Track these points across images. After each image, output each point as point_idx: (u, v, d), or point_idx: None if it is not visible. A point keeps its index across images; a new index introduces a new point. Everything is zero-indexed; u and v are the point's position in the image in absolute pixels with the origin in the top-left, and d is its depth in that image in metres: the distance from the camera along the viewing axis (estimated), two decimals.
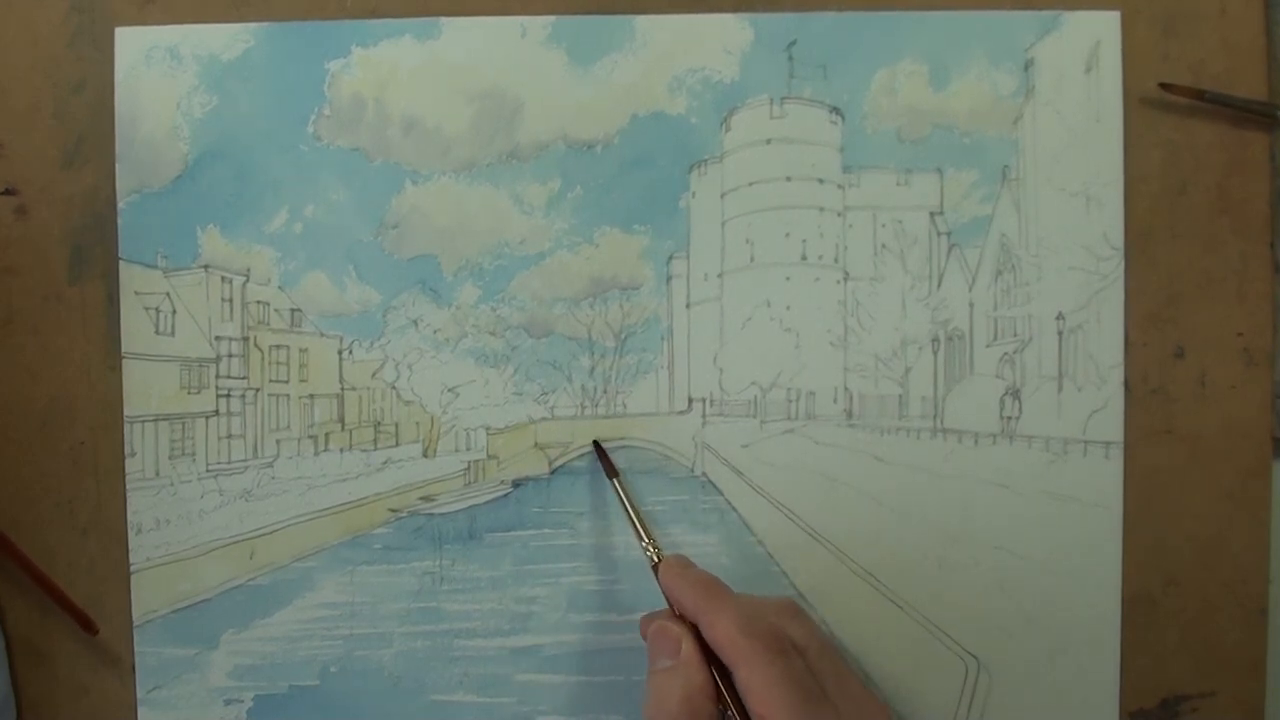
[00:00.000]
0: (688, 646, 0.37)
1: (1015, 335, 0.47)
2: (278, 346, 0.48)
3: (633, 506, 0.44)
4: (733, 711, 0.35)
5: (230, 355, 0.47)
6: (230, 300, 0.47)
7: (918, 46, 0.46)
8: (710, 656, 0.36)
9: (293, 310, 0.47)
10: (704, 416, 0.47)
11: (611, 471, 0.46)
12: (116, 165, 0.46)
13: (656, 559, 0.42)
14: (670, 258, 0.47)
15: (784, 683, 0.34)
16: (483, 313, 0.47)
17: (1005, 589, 0.46)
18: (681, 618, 0.39)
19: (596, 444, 0.47)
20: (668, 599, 0.40)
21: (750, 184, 0.47)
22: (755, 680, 0.34)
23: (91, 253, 0.46)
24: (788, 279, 0.47)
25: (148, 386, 0.46)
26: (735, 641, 0.35)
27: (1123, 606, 0.46)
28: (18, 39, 0.46)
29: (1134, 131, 0.46)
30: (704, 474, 0.47)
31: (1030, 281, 0.47)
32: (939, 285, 0.47)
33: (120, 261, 0.46)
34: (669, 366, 0.47)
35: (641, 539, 0.43)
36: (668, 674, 0.37)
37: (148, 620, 0.46)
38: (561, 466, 0.48)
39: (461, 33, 0.47)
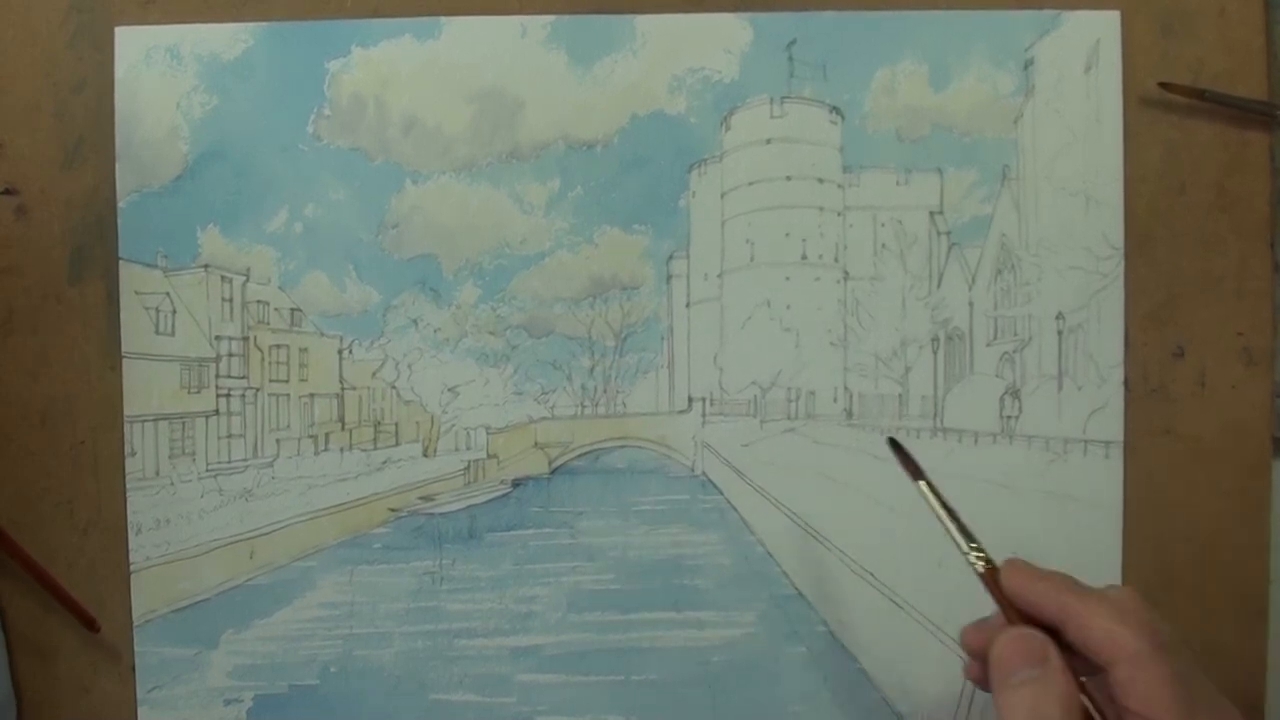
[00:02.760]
0: (1055, 655, 0.33)
1: (1015, 335, 0.47)
2: (278, 346, 0.48)
3: (948, 510, 0.37)
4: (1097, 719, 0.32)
5: (230, 355, 0.47)
6: (230, 300, 0.47)
7: (918, 46, 0.46)
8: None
9: (293, 310, 0.47)
10: (704, 416, 0.47)
11: (916, 473, 0.38)
12: (116, 165, 0.46)
13: (988, 566, 0.36)
14: (670, 257, 0.47)
15: (1171, 681, 0.30)
16: (483, 313, 0.47)
17: None
18: (1034, 623, 0.34)
19: (893, 441, 0.39)
20: (1009, 608, 0.35)
21: (750, 183, 0.47)
22: (1140, 679, 0.31)
23: (91, 253, 0.46)
24: (788, 279, 0.47)
25: (148, 386, 0.46)
26: (1116, 638, 0.32)
27: None
28: (18, 39, 0.46)
29: (1134, 131, 0.46)
30: (704, 473, 0.47)
31: (1030, 281, 0.47)
32: (939, 285, 0.47)
33: (120, 261, 0.46)
34: (669, 366, 0.47)
35: (964, 545, 0.36)
36: (1036, 686, 0.32)
37: (148, 620, 0.46)
38: (561, 466, 0.48)
39: (461, 33, 0.47)
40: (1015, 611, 0.35)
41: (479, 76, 0.47)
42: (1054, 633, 0.34)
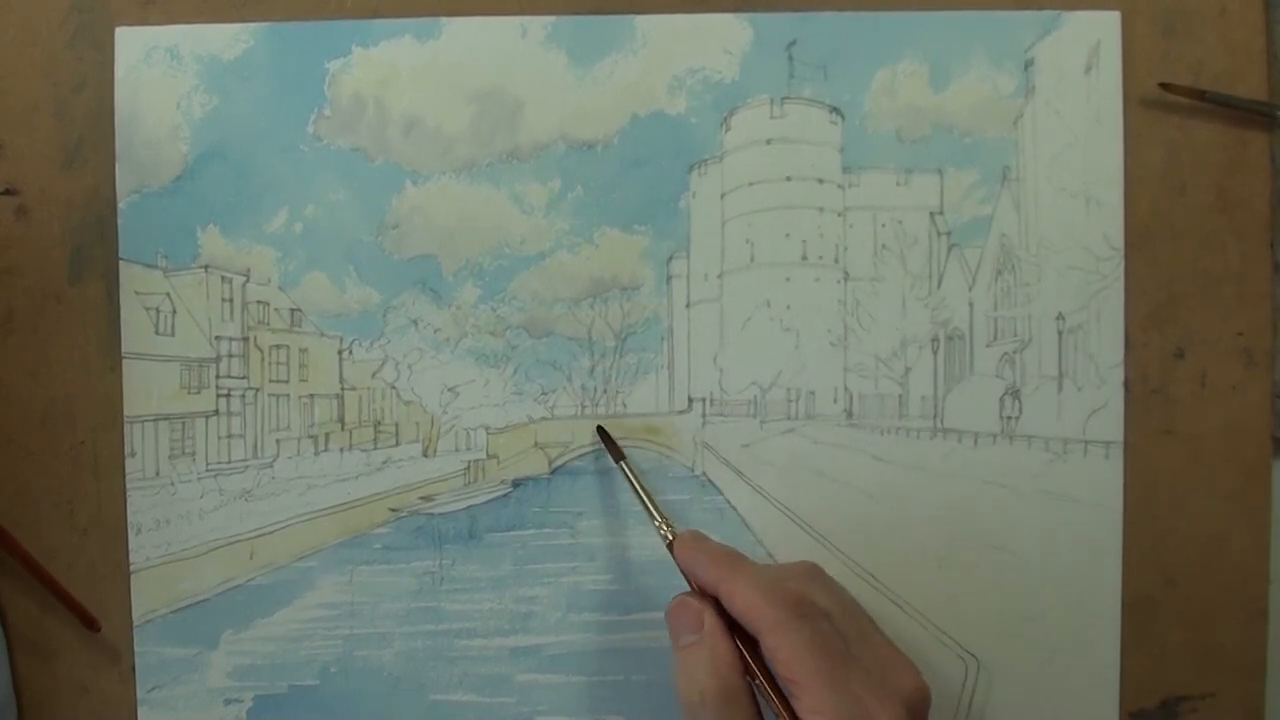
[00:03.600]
0: (710, 619, 0.36)
1: (1015, 335, 0.47)
2: (278, 346, 0.48)
3: (642, 488, 0.43)
4: (761, 680, 0.35)
5: (230, 355, 0.47)
6: (230, 300, 0.47)
7: (918, 46, 0.46)
8: (734, 628, 0.36)
9: (293, 310, 0.47)
10: (704, 416, 0.47)
11: (618, 455, 0.45)
12: (116, 165, 0.46)
13: (670, 537, 0.41)
14: (670, 258, 0.47)
15: (811, 647, 0.33)
16: (483, 313, 0.47)
17: (1005, 589, 0.46)
18: (702, 593, 0.38)
19: (601, 429, 0.47)
20: (685, 575, 0.39)
21: (750, 184, 0.47)
22: (782, 646, 0.33)
23: (91, 253, 0.46)
24: (788, 279, 0.47)
25: (148, 386, 0.46)
26: (758, 609, 0.35)
27: (1123, 606, 0.46)
28: (18, 39, 0.46)
29: (1134, 131, 0.46)
30: (704, 474, 0.47)
31: (1030, 281, 0.47)
32: (939, 285, 0.47)
33: (120, 261, 0.46)
34: (669, 366, 0.47)
35: (654, 519, 0.42)
36: (693, 649, 0.36)
37: (148, 620, 0.46)
38: (561, 466, 0.48)
39: (461, 33, 0.47)
40: (690, 581, 0.39)
41: (479, 76, 0.47)
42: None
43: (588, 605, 0.47)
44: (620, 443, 0.47)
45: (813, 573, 0.39)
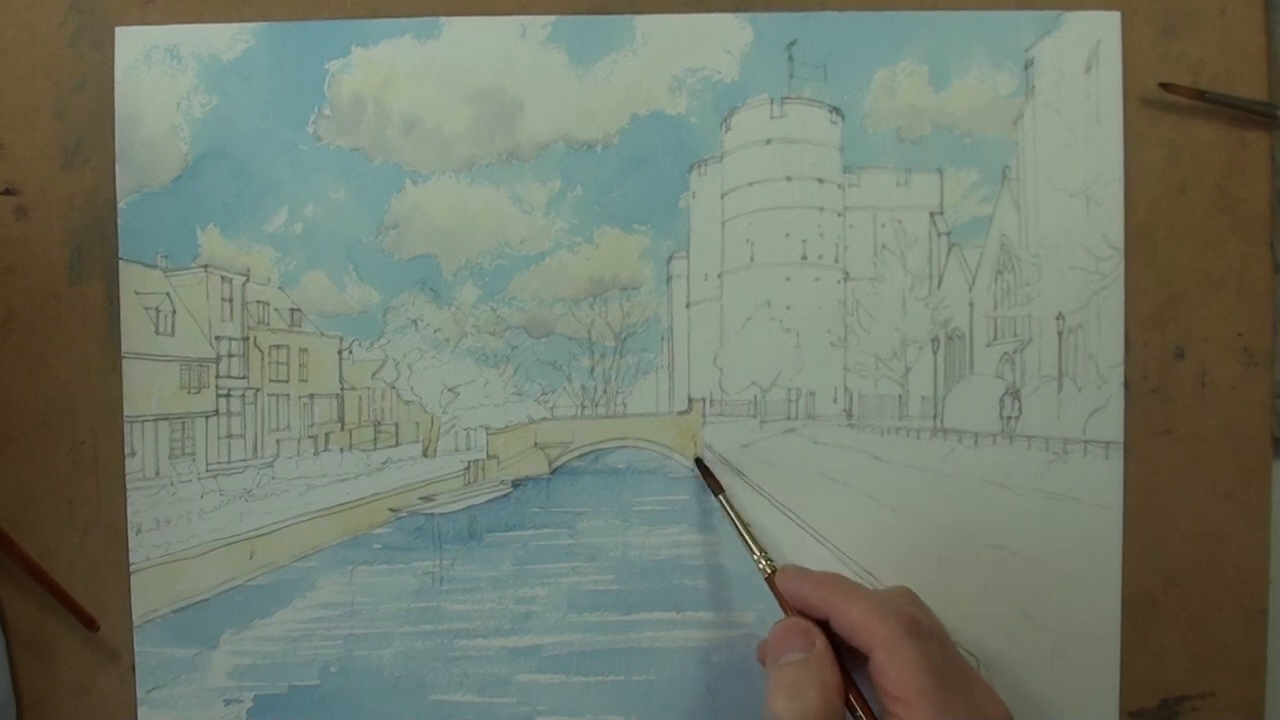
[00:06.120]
0: (821, 640, 0.37)
1: (1015, 335, 0.47)
2: (278, 346, 0.48)
3: (741, 521, 0.43)
4: (860, 710, 0.36)
5: (230, 355, 0.47)
6: (230, 300, 0.47)
7: (918, 46, 0.46)
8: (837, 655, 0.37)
9: (293, 310, 0.47)
10: (704, 416, 0.47)
11: (717, 488, 0.45)
12: (116, 165, 0.46)
13: (770, 570, 0.41)
14: (670, 258, 0.47)
15: (922, 666, 0.33)
16: (483, 313, 0.47)
17: (1005, 589, 0.46)
18: (807, 619, 0.39)
19: (699, 462, 0.46)
20: (787, 605, 0.40)
21: (750, 184, 0.47)
22: (894, 663, 0.34)
23: (91, 253, 0.46)
24: (788, 279, 0.47)
25: (148, 386, 0.46)
26: (872, 625, 0.35)
27: (1123, 606, 0.46)
28: (18, 39, 0.46)
29: (1134, 131, 0.46)
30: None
31: (1030, 281, 0.47)
32: (939, 285, 0.47)
33: (120, 261, 0.46)
34: (669, 366, 0.47)
35: (753, 552, 0.42)
36: (800, 666, 0.36)
37: (148, 620, 0.46)
38: (561, 466, 0.48)
39: (461, 33, 0.47)
40: (793, 609, 0.39)
41: (479, 76, 0.47)
42: (826, 628, 0.37)
43: (588, 605, 0.47)
44: (619, 442, 0.47)
45: (913, 596, 0.39)
